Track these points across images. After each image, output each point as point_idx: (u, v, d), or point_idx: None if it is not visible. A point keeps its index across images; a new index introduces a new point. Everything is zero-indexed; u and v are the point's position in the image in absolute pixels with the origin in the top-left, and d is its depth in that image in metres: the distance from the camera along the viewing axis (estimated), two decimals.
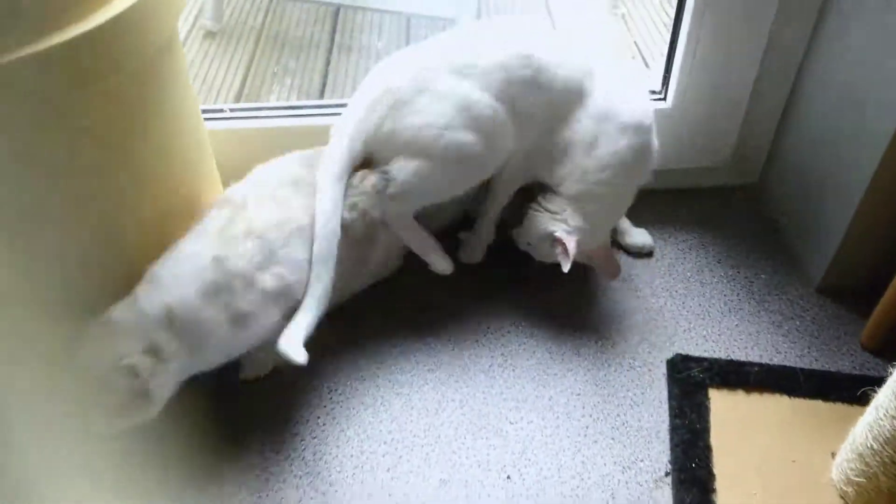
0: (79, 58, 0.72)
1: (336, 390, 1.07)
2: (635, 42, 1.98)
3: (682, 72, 1.21)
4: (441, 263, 1.11)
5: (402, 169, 1.02)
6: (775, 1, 1.12)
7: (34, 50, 0.69)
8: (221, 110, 1.23)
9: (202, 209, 0.97)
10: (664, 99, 1.27)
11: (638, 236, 1.26)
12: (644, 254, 1.26)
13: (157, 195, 0.92)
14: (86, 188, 0.83)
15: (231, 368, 1.02)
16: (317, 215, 0.98)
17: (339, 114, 1.27)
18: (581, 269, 1.24)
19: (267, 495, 0.95)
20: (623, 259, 1.25)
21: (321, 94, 1.82)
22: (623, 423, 1.01)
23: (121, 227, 0.89)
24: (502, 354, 1.11)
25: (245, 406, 1.05)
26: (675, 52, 1.21)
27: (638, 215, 1.30)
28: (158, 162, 0.90)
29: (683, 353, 1.08)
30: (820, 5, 1.13)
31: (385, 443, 1.00)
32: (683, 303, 1.18)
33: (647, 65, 1.88)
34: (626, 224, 1.27)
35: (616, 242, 1.27)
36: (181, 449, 0.96)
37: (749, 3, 1.12)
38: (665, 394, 1.04)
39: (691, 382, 1.03)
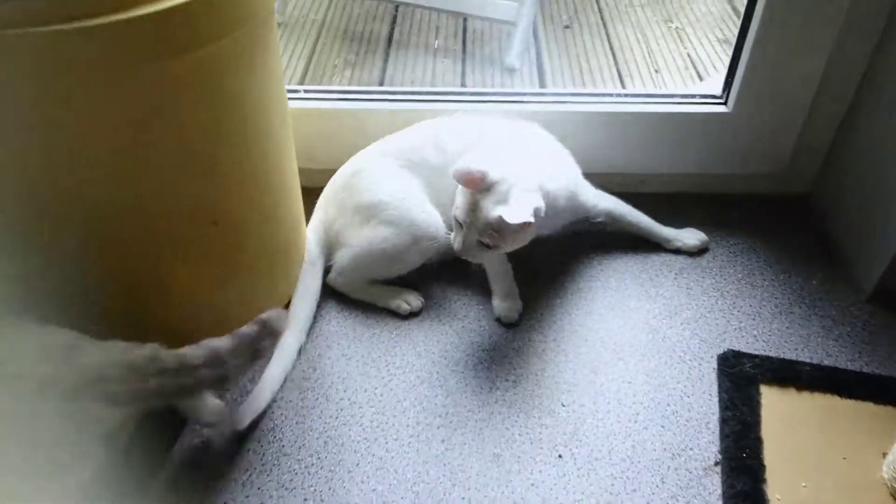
0: (195, 19, 0.77)
1: (394, 363, 1.10)
2: (688, 54, 2.01)
3: (745, 77, 1.23)
4: (402, 307, 1.18)
5: (343, 254, 1.18)
6: (843, 9, 1.14)
7: (153, 10, 0.74)
8: (297, 91, 1.28)
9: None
10: (725, 103, 1.30)
11: (690, 236, 1.28)
12: (701, 251, 1.29)
13: (243, 162, 0.96)
14: (179, 155, 0.88)
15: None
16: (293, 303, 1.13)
17: (406, 101, 1.34)
18: (636, 264, 1.27)
19: (325, 457, 0.98)
20: (675, 258, 1.28)
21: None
22: (673, 413, 1.04)
23: (207, 184, 0.93)
24: (554, 340, 1.14)
25: (305, 373, 1.09)
26: (740, 55, 1.23)
27: (691, 217, 1.33)
28: (249, 132, 0.94)
29: (735, 349, 1.10)
30: (889, 14, 1.15)
31: (440, 416, 1.03)
32: (734, 303, 1.20)
33: (700, 77, 1.91)
34: (670, 231, 1.29)
35: (670, 251, 1.29)
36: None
37: (816, 10, 1.15)
38: (715, 387, 1.06)
39: (743, 377, 1.05)
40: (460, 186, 1.04)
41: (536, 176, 1.06)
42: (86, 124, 0.80)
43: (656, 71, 1.94)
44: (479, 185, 1.01)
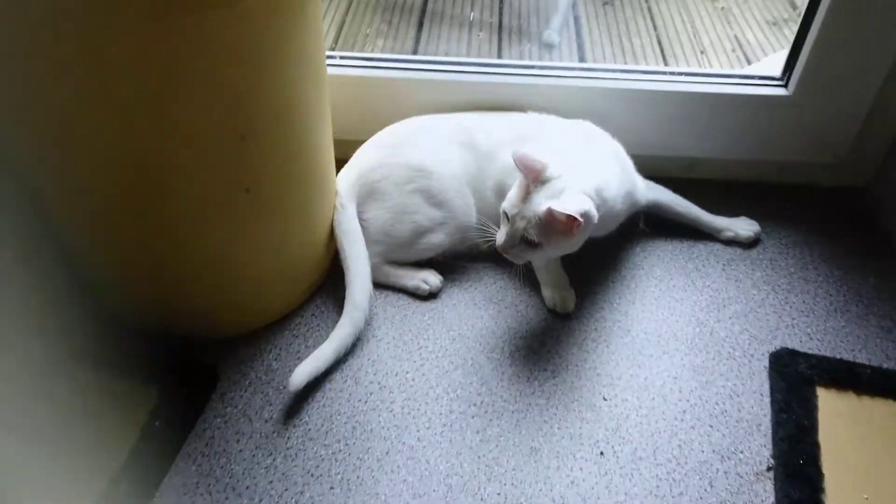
0: None
1: (426, 347, 1.05)
2: (735, 36, 1.92)
3: (809, 58, 1.15)
4: (421, 287, 1.12)
5: (373, 219, 1.13)
6: None
7: None
8: (332, 56, 1.22)
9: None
10: (785, 86, 1.22)
11: (744, 226, 1.21)
12: (754, 242, 1.22)
13: (277, 129, 0.91)
14: (212, 122, 0.83)
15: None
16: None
17: (443, 71, 1.27)
18: (682, 253, 1.20)
19: (354, 443, 0.93)
20: (723, 248, 1.21)
21: None
22: (722, 412, 0.97)
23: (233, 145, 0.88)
24: (595, 330, 1.08)
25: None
26: (806, 35, 1.15)
27: (741, 205, 1.26)
28: (284, 99, 0.89)
29: (788, 347, 1.04)
30: None
31: (474, 405, 0.98)
32: (786, 298, 1.13)
33: (748, 60, 1.82)
34: (721, 221, 1.22)
35: (721, 241, 1.22)
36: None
37: None
38: (767, 387, 1.00)
39: (798, 377, 0.98)
40: (518, 180, 0.99)
41: (595, 180, 1.00)
42: (115, 79, 0.75)
43: (702, 52, 1.85)
44: (537, 176, 0.96)
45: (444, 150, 1.13)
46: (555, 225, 0.94)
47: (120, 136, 0.79)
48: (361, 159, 1.16)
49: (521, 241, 0.97)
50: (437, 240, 1.11)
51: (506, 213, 0.99)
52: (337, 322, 1.04)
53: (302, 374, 0.96)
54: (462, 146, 1.13)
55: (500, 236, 1.00)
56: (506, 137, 1.11)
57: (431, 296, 1.12)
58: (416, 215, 1.10)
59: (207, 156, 0.84)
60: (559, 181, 0.96)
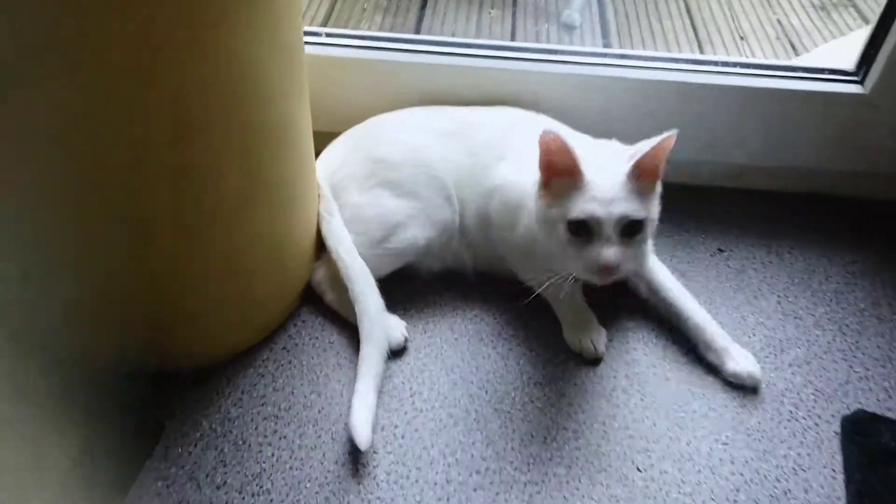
0: None
1: (421, 395, 0.86)
2: (778, 21, 1.71)
3: (895, 50, 0.95)
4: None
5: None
6: None
7: None
8: (318, 34, 1.02)
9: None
10: (860, 82, 1.02)
11: (742, 360, 0.89)
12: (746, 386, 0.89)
13: (243, 131, 0.72)
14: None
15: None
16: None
17: (448, 54, 1.08)
18: (729, 280, 1.01)
19: None
20: (777, 277, 1.02)
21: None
22: (785, 492, 0.78)
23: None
24: (627, 377, 0.89)
25: (307, 399, 0.85)
26: (892, 22, 0.95)
27: (797, 223, 1.07)
28: (249, 75, 0.70)
29: (865, 408, 0.85)
30: None
31: (478, 472, 0.79)
32: (857, 342, 0.94)
33: (794, 50, 1.61)
34: (730, 345, 0.89)
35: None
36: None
37: None
38: (839, 460, 0.81)
39: (881, 451, 0.79)
40: (542, 190, 0.81)
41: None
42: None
43: (741, 38, 1.64)
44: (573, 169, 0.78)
45: (414, 138, 0.96)
46: (648, 170, 0.78)
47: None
48: (329, 156, 1.00)
49: (619, 241, 0.78)
50: (411, 234, 0.92)
51: (581, 224, 0.78)
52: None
53: (364, 430, 0.79)
54: (445, 135, 0.96)
55: (596, 261, 0.77)
56: (482, 141, 0.95)
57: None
58: (383, 209, 0.93)
59: (158, 162, 0.67)
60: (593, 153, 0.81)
